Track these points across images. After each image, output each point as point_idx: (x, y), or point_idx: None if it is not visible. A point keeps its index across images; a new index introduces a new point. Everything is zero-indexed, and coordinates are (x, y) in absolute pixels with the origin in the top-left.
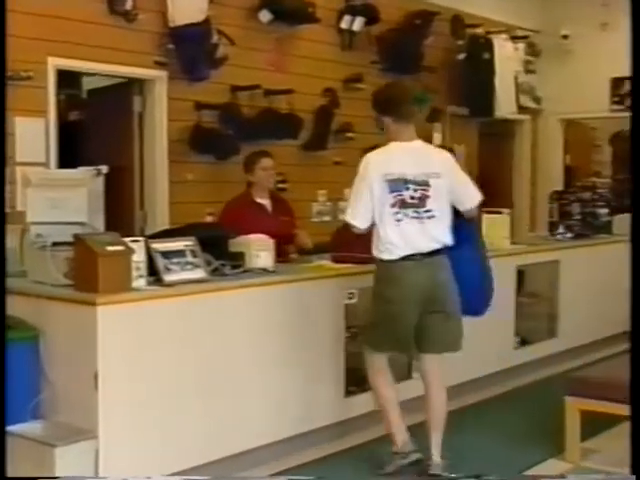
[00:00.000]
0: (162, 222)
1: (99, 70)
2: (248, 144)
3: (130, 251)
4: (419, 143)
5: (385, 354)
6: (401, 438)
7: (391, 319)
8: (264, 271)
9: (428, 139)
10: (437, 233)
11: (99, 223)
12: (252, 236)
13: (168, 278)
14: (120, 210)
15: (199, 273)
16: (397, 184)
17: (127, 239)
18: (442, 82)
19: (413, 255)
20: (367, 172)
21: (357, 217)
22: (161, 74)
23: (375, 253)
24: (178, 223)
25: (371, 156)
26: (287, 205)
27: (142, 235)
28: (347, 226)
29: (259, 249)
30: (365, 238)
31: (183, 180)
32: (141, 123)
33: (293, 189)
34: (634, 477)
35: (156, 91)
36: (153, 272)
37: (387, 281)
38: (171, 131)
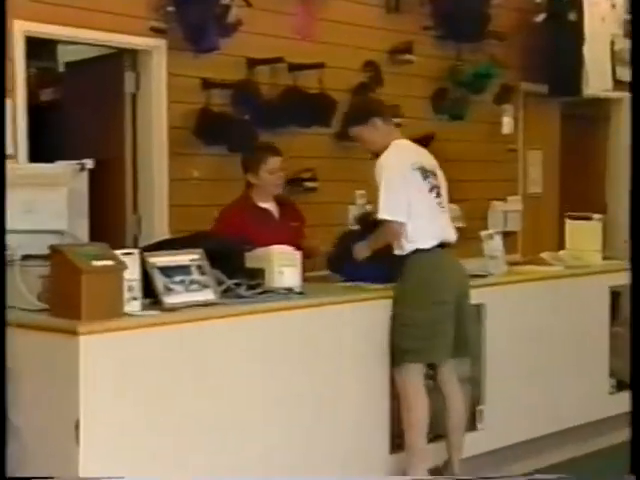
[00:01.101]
0: (161, 230)
1: (79, 38)
2: (268, 132)
3: (121, 267)
4: (408, 142)
5: (423, 366)
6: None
7: (440, 311)
8: (290, 292)
9: (495, 127)
10: (450, 225)
11: (82, 231)
12: (274, 248)
13: (169, 300)
14: (108, 215)
15: (208, 294)
16: (424, 172)
17: (118, 251)
18: (514, 52)
19: (443, 244)
20: (396, 162)
21: (399, 212)
22: (159, 43)
23: (406, 246)
24: (181, 231)
25: (388, 154)
26: (295, 208)
27: (136, 246)
28: (352, 233)
29: (283, 264)
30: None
31: (187, 177)
32: (134, 106)
33: (324, 189)
34: (634, 477)
35: (153, 65)
36: (150, 293)
37: (429, 269)
38: (172, 116)
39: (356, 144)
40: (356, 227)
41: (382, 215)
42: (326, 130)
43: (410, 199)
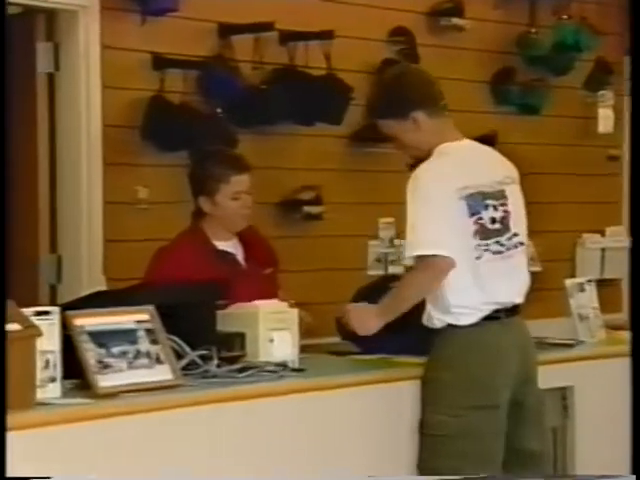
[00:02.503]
0: (91, 277)
1: None
2: (251, 131)
3: (33, 333)
4: (469, 142)
5: None
6: None
7: (486, 418)
8: (283, 368)
9: (587, 123)
10: (524, 274)
11: None
12: (260, 303)
13: (104, 383)
14: (13, 255)
15: (162, 373)
16: (476, 201)
17: (27, 310)
18: (615, 15)
19: (497, 313)
20: (433, 187)
21: (442, 244)
22: (88, 1)
23: (436, 317)
24: (122, 279)
25: (427, 168)
26: (265, 245)
27: (55, 303)
28: (374, 285)
29: (273, 326)
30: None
31: (130, 198)
32: (51, 92)
33: (333, 216)
34: (634, 477)
35: (79, 33)
36: (76, 371)
37: (471, 358)
38: (108, 109)
39: (380, 149)
40: (379, 272)
41: (414, 251)
42: (336, 129)
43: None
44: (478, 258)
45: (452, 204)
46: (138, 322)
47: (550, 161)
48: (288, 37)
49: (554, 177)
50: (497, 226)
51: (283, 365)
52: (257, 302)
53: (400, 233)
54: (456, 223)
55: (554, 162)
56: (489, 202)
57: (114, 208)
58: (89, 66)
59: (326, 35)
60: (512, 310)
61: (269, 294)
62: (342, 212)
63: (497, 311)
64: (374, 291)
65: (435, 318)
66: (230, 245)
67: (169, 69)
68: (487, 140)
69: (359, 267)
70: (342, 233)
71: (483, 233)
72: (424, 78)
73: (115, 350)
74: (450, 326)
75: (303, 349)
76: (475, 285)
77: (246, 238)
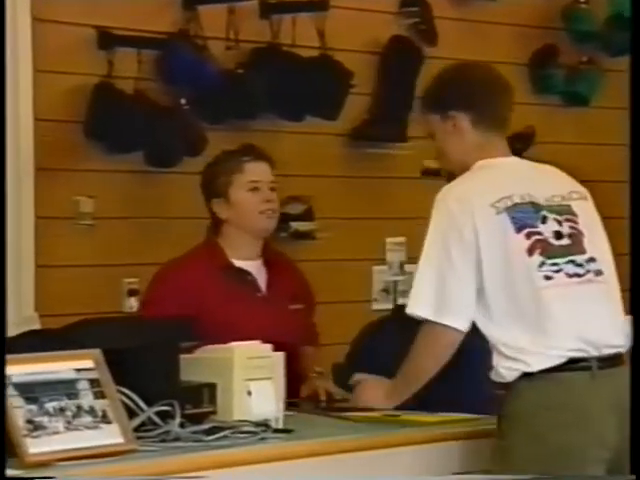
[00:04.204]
0: (19, 312)
1: None
2: (224, 128)
3: None
4: (521, 162)
5: None
6: None
7: None
8: (264, 428)
9: None
10: (619, 311)
11: None
12: (236, 346)
13: (35, 449)
14: None
15: (110, 435)
16: (524, 212)
17: None
18: None
19: (586, 358)
20: (458, 212)
21: (448, 309)
22: None
23: (504, 366)
24: (58, 315)
25: (455, 184)
26: (296, 275)
27: None
28: (381, 323)
29: (251, 375)
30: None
31: (70, 212)
32: None
33: (328, 234)
34: (634, 477)
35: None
36: None
37: (552, 420)
38: (41, 98)
39: (386, 150)
40: (386, 309)
41: (412, 309)
42: (332, 125)
43: (486, 276)
44: (548, 279)
45: (487, 224)
46: (79, 370)
47: (602, 165)
48: (271, 7)
49: (607, 186)
50: (566, 242)
51: (264, 425)
52: (233, 344)
53: (415, 256)
54: (494, 246)
55: (607, 167)
56: (547, 214)
57: (48, 224)
58: (16, 44)
59: (319, 5)
60: (609, 359)
61: (291, 335)
62: (339, 229)
63: (587, 356)
64: (384, 330)
65: (503, 366)
66: (252, 265)
67: (119, 48)
68: (522, 138)
69: (362, 299)
70: (340, 256)
71: (546, 250)
72: (488, 79)
73: (50, 406)
74: (521, 377)
75: (291, 403)
76: (558, 315)
77: (272, 259)
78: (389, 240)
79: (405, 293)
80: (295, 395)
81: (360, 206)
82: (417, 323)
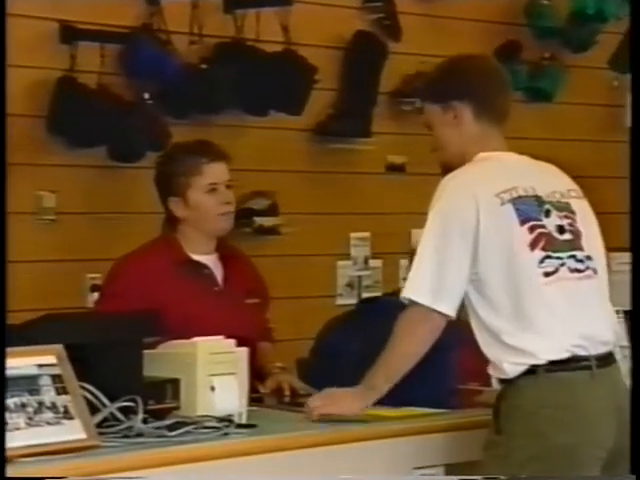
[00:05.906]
0: None
1: None
2: (188, 122)
3: None
4: (521, 157)
5: None
6: None
7: None
8: (228, 424)
9: (615, 113)
10: (609, 307)
11: None
12: (199, 341)
13: None
14: None
15: (72, 431)
16: (528, 205)
17: None
18: None
19: (585, 356)
20: (461, 199)
21: (443, 295)
22: None
23: (506, 360)
24: (19, 311)
25: (458, 173)
26: (251, 271)
27: None
28: (344, 319)
29: (215, 370)
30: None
31: (32, 207)
32: None
33: (292, 230)
34: (634, 477)
35: None
36: None
37: (552, 419)
38: (8, 93)
39: (351, 146)
40: (350, 304)
41: (408, 293)
42: (297, 120)
43: (483, 266)
44: (548, 275)
45: (490, 214)
46: (41, 366)
47: (565, 161)
48: (235, 2)
49: (577, 182)
50: (568, 237)
51: (227, 420)
52: (196, 339)
53: (378, 253)
54: (496, 236)
55: (571, 162)
56: (550, 208)
57: (16, 220)
58: None
59: (283, 0)
60: (605, 358)
61: (248, 330)
62: (304, 225)
63: (586, 354)
64: (348, 325)
65: (504, 360)
66: (208, 259)
67: (82, 42)
68: None
69: (326, 294)
70: (304, 251)
71: (550, 244)
72: (491, 72)
73: (10, 402)
74: (526, 373)
75: (254, 398)
76: (554, 313)
77: (228, 254)
78: (353, 235)
79: (369, 288)
80: (253, 391)
81: (324, 201)
82: (381, 317)
